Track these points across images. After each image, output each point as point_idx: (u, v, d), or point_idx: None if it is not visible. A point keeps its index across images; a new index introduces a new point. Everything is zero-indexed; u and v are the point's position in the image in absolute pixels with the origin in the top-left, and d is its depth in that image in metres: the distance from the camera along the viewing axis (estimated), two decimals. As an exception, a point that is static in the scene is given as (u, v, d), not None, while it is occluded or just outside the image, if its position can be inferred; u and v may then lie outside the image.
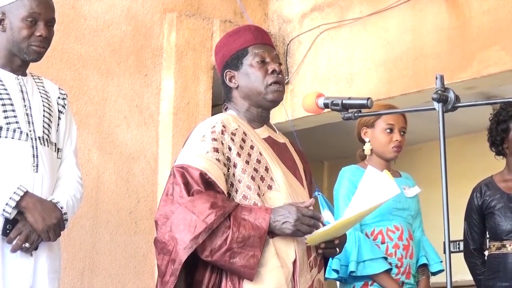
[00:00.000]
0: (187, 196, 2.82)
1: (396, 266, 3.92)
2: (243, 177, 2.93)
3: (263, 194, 2.95)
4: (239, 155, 2.94)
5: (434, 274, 4.08)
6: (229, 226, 2.78)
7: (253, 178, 2.93)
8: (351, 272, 3.85)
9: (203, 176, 2.85)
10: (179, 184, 2.85)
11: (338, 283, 4.95)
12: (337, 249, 3.05)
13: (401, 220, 3.98)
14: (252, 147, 3.00)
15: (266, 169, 2.98)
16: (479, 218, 4.39)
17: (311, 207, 2.90)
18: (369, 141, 4.06)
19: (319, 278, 3.01)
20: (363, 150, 4.10)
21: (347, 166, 4.07)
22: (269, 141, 3.10)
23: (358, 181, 3.77)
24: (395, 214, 3.96)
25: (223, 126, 2.97)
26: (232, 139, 2.96)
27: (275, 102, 3.12)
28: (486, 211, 4.35)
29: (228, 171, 2.93)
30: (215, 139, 2.93)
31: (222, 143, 2.93)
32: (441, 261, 4.06)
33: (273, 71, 3.06)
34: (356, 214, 2.97)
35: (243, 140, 2.99)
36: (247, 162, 2.95)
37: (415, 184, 4.13)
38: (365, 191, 2.94)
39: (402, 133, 4.05)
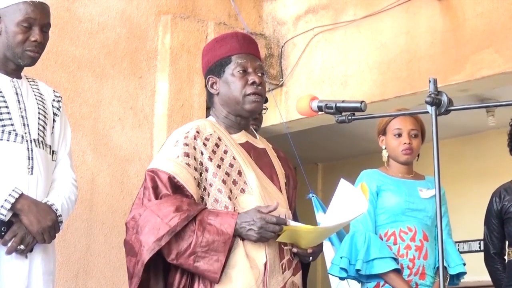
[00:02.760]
0: (154, 199, 2.89)
1: (408, 267, 3.94)
2: (214, 181, 2.97)
3: (235, 197, 2.99)
4: (210, 159, 2.99)
5: (457, 276, 4.09)
6: (194, 230, 2.83)
7: (224, 181, 2.98)
8: (358, 270, 3.88)
9: (171, 179, 2.91)
10: (148, 188, 2.93)
11: (332, 283, 4.97)
12: (311, 257, 3.10)
13: (416, 221, 4.00)
14: (225, 152, 3.04)
15: (239, 173, 3.02)
16: (498, 222, 4.37)
17: (278, 214, 2.92)
18: (385, 148, 4.11)
19: (294, 281, 3.04)
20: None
21: (367, 169, 4.11)
22: (246, 146, 3.14)
23: (372, 185, 3.79)
24: (408, 215, 3.99)
25: (197, 131, 3.03)
26: (205, 144, 3.01)
27: (253, 113, 3.17)
28: (505, 216, 4.33)
29: (200, 175, 2.98)
30: (186, 144, 2.99)
31: (195, 148, 2.99)
32: (464, 264, 4.08)
33: (253, 83, 3.09)
34: (325, 227, 3.02)
35: (217, 145, 3.04)
36: (219, 166, 3.00)
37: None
38: (337, 206, 2.97)
39: (413, 135, 4.07)
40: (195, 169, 2.96)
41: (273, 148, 3.30)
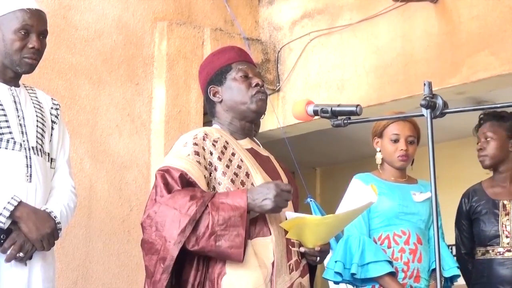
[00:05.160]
0: (167, 194, 2.91)
1: (403, 270, 3.96)
2: (223, 180, 3.02)
3: None
4: (219, 159, 3.04)
5: (450, 279, 4.11)
6: (209, 212, 2.86)
7: (232, 181, 3.02)
8: (353, 274, 3.89)
9: (183, 176, 2.94)
10: (159, 185, 2.95)
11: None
12: (318, 258, 3.10)
13: (409, 225, 4.01)
14: (233, 154, 3.09)
15: (247, 175, 3.06)
16: (468, 223, 4.41)
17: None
18: (379, 151, 4.11)
19: (302, 282, 3.06)
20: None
21: (360, 173, 4.11)
22: (252, 152, 3.20)
23: None
24: (402, 218, 4.00)
25: (205, 134, 3.09)
26: (214, 145, 3.06)
27: (259, 113, 3.23)
28: (473, 217, 4.36)
29: (210, 175, 3.02)
30: (196, 144, 3.04)
31: (204, 148, 3.04)
32: (458, 267, 4.10)
33: (257, 85, 3.18)
34: (334, 215, 3.03)
35: (225, 147, 3.09)
36: (228, 166, 3.05)
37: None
38: (349, 199, 3.00)
39: (409, 141, 4.07)
40: (205, 168, 3.01)
41: (276, 159, 3.35)
